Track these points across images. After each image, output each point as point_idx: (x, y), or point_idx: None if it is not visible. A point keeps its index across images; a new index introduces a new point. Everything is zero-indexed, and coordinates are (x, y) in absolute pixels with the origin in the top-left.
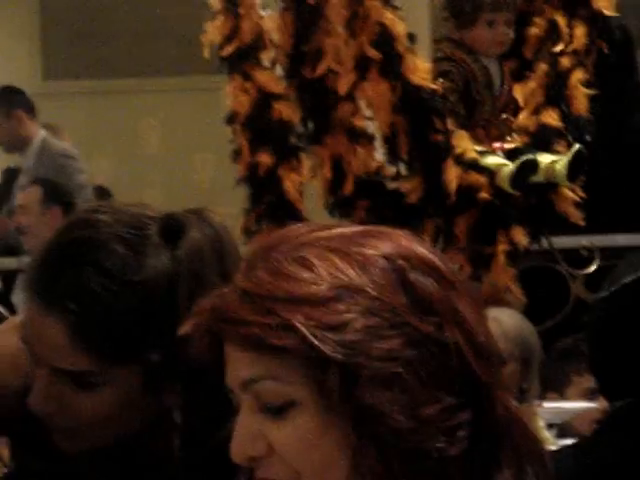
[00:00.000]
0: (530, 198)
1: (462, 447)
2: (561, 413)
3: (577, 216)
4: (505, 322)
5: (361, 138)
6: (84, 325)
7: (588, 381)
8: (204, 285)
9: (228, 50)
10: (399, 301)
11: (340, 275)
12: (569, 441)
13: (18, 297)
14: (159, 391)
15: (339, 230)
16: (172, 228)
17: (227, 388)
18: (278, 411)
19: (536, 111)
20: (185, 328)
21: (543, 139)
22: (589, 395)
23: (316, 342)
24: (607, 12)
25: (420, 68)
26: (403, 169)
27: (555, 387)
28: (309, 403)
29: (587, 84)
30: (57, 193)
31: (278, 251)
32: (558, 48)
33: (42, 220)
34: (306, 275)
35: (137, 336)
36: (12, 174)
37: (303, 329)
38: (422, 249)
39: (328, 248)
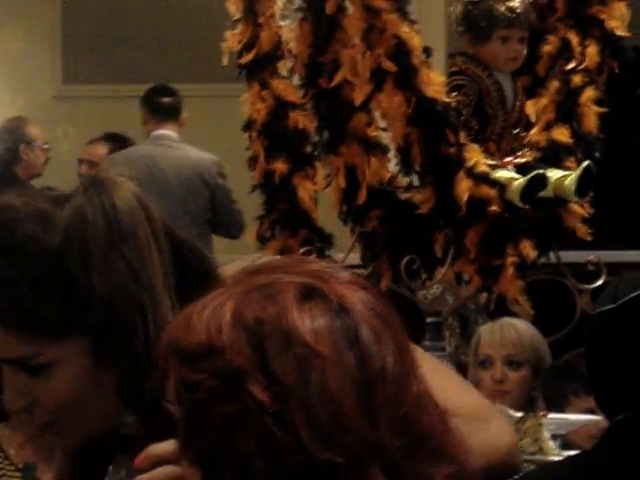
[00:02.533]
0: (539, 212)
1: None
2: (566, 424)
3: (584, 232)
4: (520, 328)
5: (375, 148)
6: (5, 308)
7: (586, 402)
8: (90, 250)
9: (246, 58)
10: (244, 366)
11: (212, 332)
12: (573, 452)
13: None
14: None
15: (245, 284)
16: (60, 197)
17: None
18: None
19: (547, 127)
20: None
21: (553, 155)
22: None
23: (173, 399)
24: (619, 32)
25: (435, 81)
26: (416, 180)
27: (553, 407)
28: None
29: (598, 102)
30: None
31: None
32: (570, 66)
33: None
34: (195, 324)
35: (55, 305)
36: None
37: (173, 384)
38: (294, 314)
39: (229, 295)
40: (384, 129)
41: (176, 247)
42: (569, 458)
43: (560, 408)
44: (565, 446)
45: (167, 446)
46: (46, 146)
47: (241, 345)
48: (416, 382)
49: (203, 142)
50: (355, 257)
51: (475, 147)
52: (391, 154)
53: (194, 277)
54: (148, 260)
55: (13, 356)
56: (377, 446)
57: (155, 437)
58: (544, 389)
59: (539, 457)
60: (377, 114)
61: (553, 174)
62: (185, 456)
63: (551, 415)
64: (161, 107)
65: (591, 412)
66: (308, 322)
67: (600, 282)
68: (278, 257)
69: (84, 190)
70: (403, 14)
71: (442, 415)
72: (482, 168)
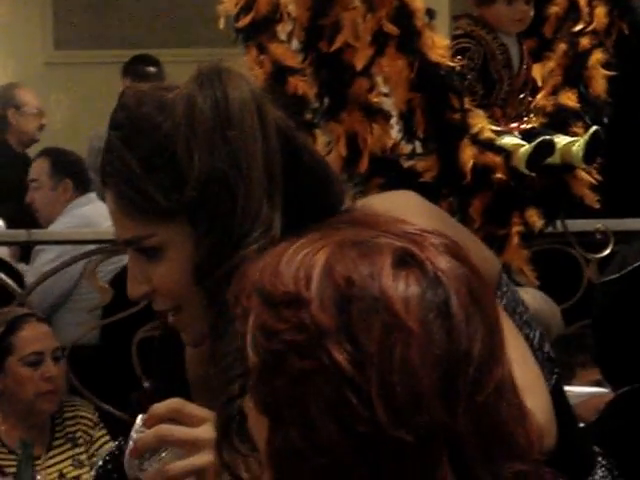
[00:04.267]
0: (545, 180)
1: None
2: (571, 397)
3: (592, 199)
4: (525, 299)
5: (377, 115)
6: (119, 190)
7: (593, 374)
8: (195, 132)
9: (244, 22)
10: (327, 326)
11: (299, 282)
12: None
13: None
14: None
15: (341, 235)
16: (174, 87)
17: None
18: None
19: (554, 91)
20: None
21: (560, 120)
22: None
23: (249, 341)
24: None
25: (438, 45)
26: (419, 147)
27: None
28: None
29: (607, 65)
30: (66, 163)
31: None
32: (578, 28)
33: (52, 195)
34: (284, 269)
35: (162, 185)
36: None
37: (250, 326)
38: (387, 280)
39: (322, 245)
40: (386, 95)
41: (293, 148)
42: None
43: (567, 380)
44: None
45: (167, 405)
46: (36, 111)
47: (328, 302)
48: (500, 367)
49: None
50: None
51: (480, 113)
52: (393, 120)
53: (313, 180)
54: (250, 151)
55: (129, 236)
56: (450, 431)
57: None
58: None
59: None
60: (379, 79)
61: (560, 140)
62: (254, 402)
63: None
64: (146, 77)
65: (598, 384)
66: (401, 290)
67: (608, 251)
68: (372, 211)
69: (198, 79)
70: None
71: (522, 406)
72: (487, 134)
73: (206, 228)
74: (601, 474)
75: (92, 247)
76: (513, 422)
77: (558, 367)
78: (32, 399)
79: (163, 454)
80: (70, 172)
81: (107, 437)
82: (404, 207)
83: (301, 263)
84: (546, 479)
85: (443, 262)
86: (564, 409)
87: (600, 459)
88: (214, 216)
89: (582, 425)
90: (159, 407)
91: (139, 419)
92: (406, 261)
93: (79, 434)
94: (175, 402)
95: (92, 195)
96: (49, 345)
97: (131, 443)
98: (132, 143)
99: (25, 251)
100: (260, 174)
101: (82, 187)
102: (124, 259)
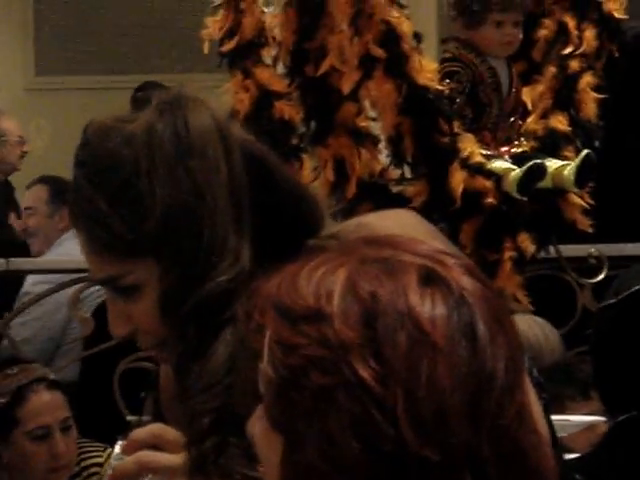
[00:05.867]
0: (537, 204)
1: None
2: (567, 427)
3: (585, 223)
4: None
5: (365, 139)
6: (87, 229)
7: (584, 407)
8: (156, 164)
9: (228, 46)
10: (351, 340)
11: (320, 297)
12: (573, 456)
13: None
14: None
15: (360, 253)
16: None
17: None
18: None
19: (544, 115)
20: None
21: (551, 144)
22: None
23: (265, 356)
24: (618, 15)
25: (426, 68)
26: (408, 172)
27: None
28: None
29: (597, 88)
30: (64, 191)
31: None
32: (567, 51)
33: (49, 223)
34: (303, 285)
35: (128, 221)
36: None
37: (267, 341)
38: (414, 297)
39: (341, 262)
40: (374, 119)
41: (263, 172)
42: (570, 460)
43: (557, 413)
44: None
45: (148, 431)
46: (17, 139)
47: (352, 317)
48: (521, 391)
49: None
50: None
51: (470, 137)
52: (382, 145)
53: (286, 204)
54: (214, 180)
55: (103, 276)
56: (475, 452)
57: None
58: None
59: None
60: (366, 103)
61: (551, 164)
62: (268, 419)
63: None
64: None
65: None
66: (428, 307)
67: (602, 276)
68: (389, 232)
69: (158, 107)
70: None
71: (539, 433)
72: (477, 159)
73: (171, 262)
74: None
75: (73, 276)
76: (532, 449)
77: (545, 392)
78: (40, 476)
79: None
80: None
81: None
82: (407, 227)
83: (321, 279)
84: None
85: (467, 282)
86: (551, 436)
87: None
88: (179, 249)
89: (576, 455)
90: (139, 433)
91: (118, 446)
92: (431, 279)
93: None
94: (156, 428)
95: None
96: (58, 416)
97: (109, 471)
98: (97, 180)
99: (4, 281)
100: (226, 203)
101: None
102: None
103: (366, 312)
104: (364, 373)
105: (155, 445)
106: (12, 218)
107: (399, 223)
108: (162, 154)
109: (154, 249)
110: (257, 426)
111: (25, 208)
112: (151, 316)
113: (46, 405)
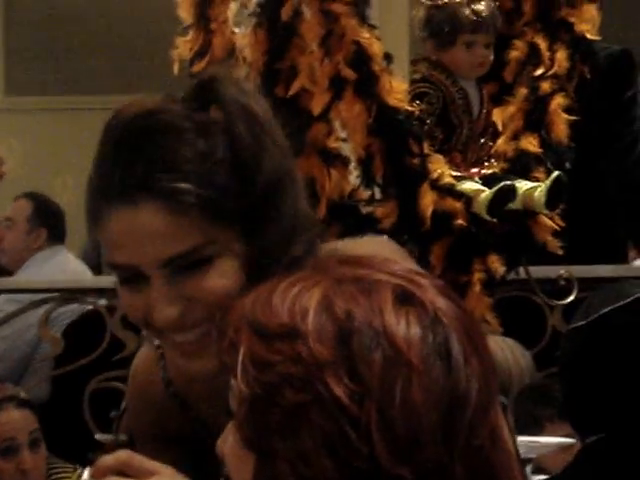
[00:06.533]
0: (507, 226)
1: None
2: (537, 447)
3: (555, 245)
4: None
5: (335, 160)
6: (179, 200)
7: (561, 428)
8: (257, 136)
9: (199, 66)
10: (326, 358)
11: (295, 315)
12: (543, 477)
13: None
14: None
15: (335, 273)
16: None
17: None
18: None
19: (515, 136)
20: None
21: (522, 165)
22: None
23: (239, 373)
24: (590, 36)
25: (396, 89)
26: (378, 193)
27: (527, 433)
28: None
29: (568, 110)
30: (47, 212)
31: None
32: (539, 72)
33: (25, 239)
34: (277, 302)
35: (231, 189)
36: None
37: (241, 358)
38: (389, 316)
39: (316, 281)
40: (344, 140)
41: None
42: None
43: (534, 434)
44: (537, 470)
45: (115, 457)
46: None
47: (327, 334)
48: (494, 411)
49: None
50: None
51: (439, 158)
52: (352, 166)
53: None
54: (288, 153)
55: (184, 248)
56: (448, 471)
57: None
58: (517, 414)
59: None
60: (337, 124)
61: (522, 185)
62: (240, 436)
63: (520, 438)
64: None
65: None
66: (403, 326)
67: (572, 298)
68: (362, 253)
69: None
70: (363, 19)
71: (510, 454)
72: (447, 180)
73: (258, 233)
74: None
75: (44, 296)
76: (503, 469)
77: (506, 414)
78: None
79: None
80: (48, 222)
81: None
82: (385, 252)
83: (296, 297)
84: None
85: (441, 302)
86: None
87: None
88: (271, 220)
89: (546, 477)
90: (107, 459)
91: (86, 473)
92: (406, 299)
93: None
94: (124, 454)
95: (60, 248)
96: (26, 432)
97: None
98: (203, 145)
99: None
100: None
101: (55, 240)
102: (76, 309)
103: (341, 330)
104: (338, 391)
105: (121, 472)
106: None
107: (378, 249)
108: (259, 122)
109: (247, 217)
110: (227, 443)
111: (4, 219)
112: (221, 286)
113: (15, 422)
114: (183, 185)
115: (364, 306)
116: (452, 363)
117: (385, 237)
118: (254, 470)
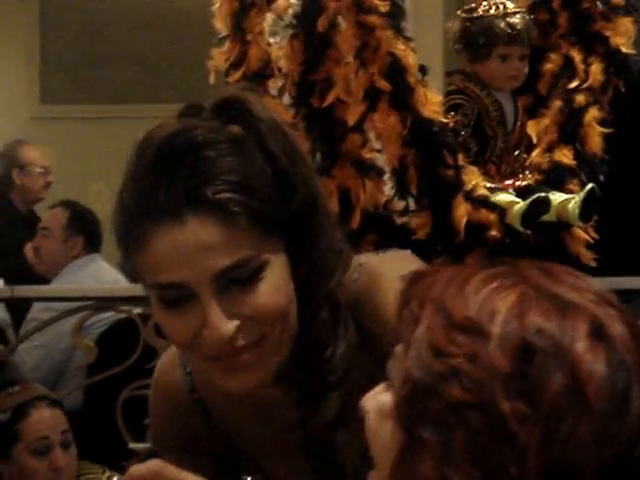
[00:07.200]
0: (541, 237)
1: None
2: None
3: (589, 257)
4: None
5: (370, 171)
6: (226, 209)
7: None
8: (291, 147)
9: (234, 77)
10: (502, 368)
11: (484, 313)
12: None
13: None
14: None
15: (532, 280)
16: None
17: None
18: None
19: (549, 149)
20: None
21: (556, 177)
22: None
23: (413, 351)
24: (625, 49)
25: (431, 101)
26: (412, 204)
27: None
28: None
29: (602, 122)
30: (82, 220)
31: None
32: (573, 85)
33: (61, 248)
34: (470, 294)
35: (275, 201)
36: None
37: (417, 338)
38: (581, 346)
39: (514, 283)
40: (379, 150)
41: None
42: None
43: None
44: None
45: (147, 467)
46: (41, 169)
47: (510, 344)
48: None
49: None
50: None
51: (474, 169)
52: (386, 177)
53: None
54: (312, 165)
55: (235, 259)
56: None
57: None
58: None
59: None
60: (372, 135)
61: (555, 197)
62: (396, 413)
63: None
64: None
65: None
66: (590, 359)
67: None
68: (387, 268)
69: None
70: (398, 31)
71: None
72: (481, 191)
73: (302, 242)
74: None
75: (78, 304)
76: None
77: None
78: None
79: None
80: (84, 230)
81: None
82: (410, 268)
83: (489, 294)
84: None
85: (627, 338)
86: None
87: None
88: (313, 228)
89: None
90: (139, 469)
91: None
92: (600, 333)
93: None
94: (155, 464)
95: (95, 256)
96: (58, 431)
97: None
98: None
99: (14, 309)
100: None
101: (91, 248)
102: (110, 318)
103: (526, 344)
104: (505, 405)
105: None
106: (27, 247)
107: (398, 265)
108: (293, 147)
109: (291, 230)
110: (375, 402)
111: (41, 228)
112: (272, 297)
113: (47, 420)
114: (229, 195)
115: (556, 327)
116: (628, 410)
117: (409, 252)
118: (400, 452)
